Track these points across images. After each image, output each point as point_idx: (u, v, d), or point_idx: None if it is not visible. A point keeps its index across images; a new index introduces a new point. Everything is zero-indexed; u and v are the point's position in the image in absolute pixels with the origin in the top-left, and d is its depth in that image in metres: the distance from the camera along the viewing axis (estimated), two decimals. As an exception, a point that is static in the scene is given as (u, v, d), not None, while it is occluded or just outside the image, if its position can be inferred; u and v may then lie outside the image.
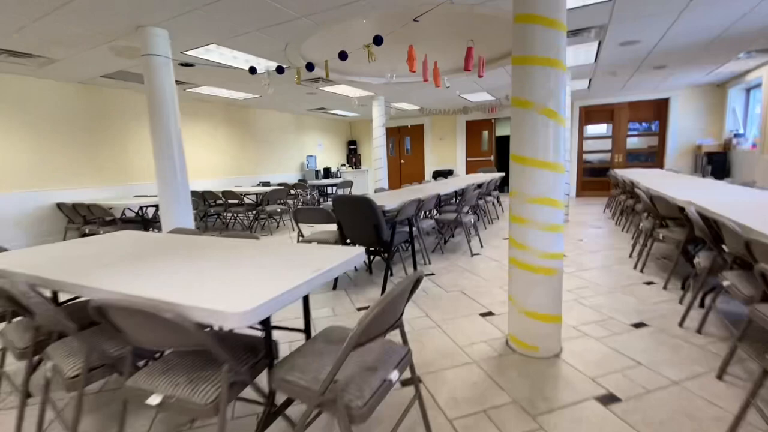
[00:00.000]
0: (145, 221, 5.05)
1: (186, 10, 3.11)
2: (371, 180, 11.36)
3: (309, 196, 7.64)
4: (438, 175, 10.13)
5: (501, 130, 12.23)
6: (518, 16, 1.94)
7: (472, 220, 4.47)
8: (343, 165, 11.20)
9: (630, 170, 6.60)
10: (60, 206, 5.09)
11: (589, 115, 8.73)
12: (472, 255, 4.22)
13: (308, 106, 8.42)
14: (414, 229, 3.64)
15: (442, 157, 10.50)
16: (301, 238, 3.48)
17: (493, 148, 9.90)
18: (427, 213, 4.92)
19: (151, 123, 3.52)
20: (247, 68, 4.84)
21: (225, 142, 7.62)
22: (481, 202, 5.89)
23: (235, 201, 6.10)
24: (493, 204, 6.83)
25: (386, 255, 3.12)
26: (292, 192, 7.94)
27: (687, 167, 7.92)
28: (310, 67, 3.25)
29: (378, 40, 2.70)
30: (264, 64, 4.81)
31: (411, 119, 10.76)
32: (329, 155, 10.96)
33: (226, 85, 5.88)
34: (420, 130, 10.74)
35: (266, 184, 8.07)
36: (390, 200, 3.52)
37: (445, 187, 5.03)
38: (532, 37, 1.90)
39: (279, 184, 7.88)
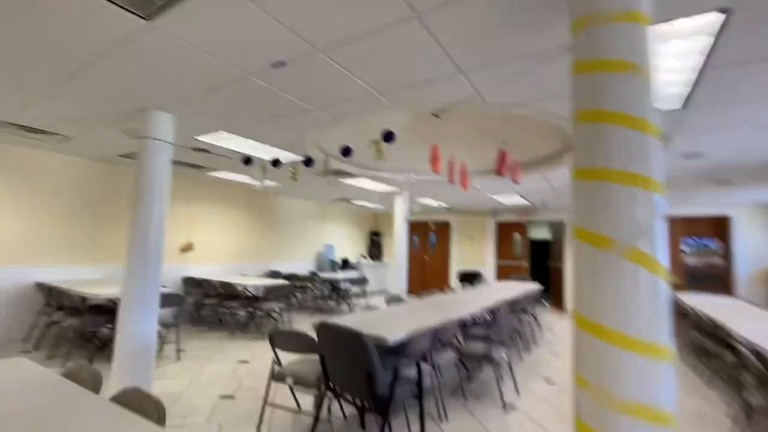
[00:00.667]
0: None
1: (188, 95, 2.86)
2: (391, 277, 10.57)
3: (319, 291, 6.91)
4: (465, 278, 9.23)
5: (535, 233, 11.47)
6: (584, 113, 1.35)
7: (506, 357, 3.50)
8: (364, 256, 10.60)
9: (695, 297, 5.50)
10: (40, 286, 4.62)
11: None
12: (505, 406, 3.16)
13: (332, 196, 8.19)
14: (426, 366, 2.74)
15: (470, 257, 9.71)
16: (277, 368, 2.66)
17: (526, 253, 9.05)
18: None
19: (134, 207, 3.10)
20: (269, 159, 4.60)
21: (239, 226, 7.31)
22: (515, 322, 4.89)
23: (234, 293, 5.46)
24: (530, 324, 5.76)
25: (381, 416, 2.21)
26: (299, 285, 7.25)
27: (765, 295, 6.63)
28: (308, 162, 2.81)
29: (389, 137, 2.22)
30: (282, 155, 4.55)
31: (437, 215, 10.31)
32: (350, 245, 10.46)
33: (245, 172, 5.69)
34: (446, 227, 10.19)
35: (276, 273, 7.48)
36: (397, 324, 2.71)
37: (473, 301, 4.17)
38: (609, 142, 1.27)
39: (288, 276, 7.27)
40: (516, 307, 4.86)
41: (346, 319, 2.96)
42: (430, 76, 2.39)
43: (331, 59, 2.23)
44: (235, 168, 5.47)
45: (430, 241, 10.50)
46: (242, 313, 5.49)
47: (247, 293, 5.52)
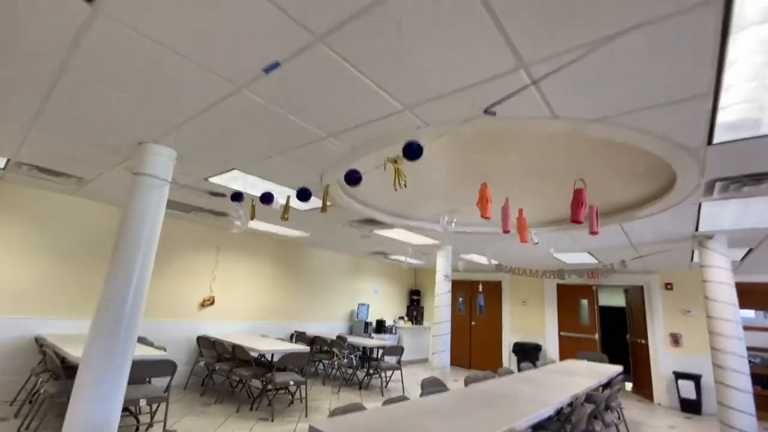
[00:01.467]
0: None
1: (181, 121, 2.41)
2: (431, 343, 9.33)
3: (346, 359, 5.96)
4: (520, 349, 7.80)
5: (605, 300, 9.81)
6: None
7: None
8: (401, 318, 9.53)
9: None
10: (38, 340, 4.20)
11: (740, 295, 6.24)
12: None
13: (367, 249, 7.50)
14: None
15: (527, 325, 8.31)
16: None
17: (596, 323, 7.53)
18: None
19: (113, 253, 2.58)
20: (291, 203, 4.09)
21: (266, 279, 6.76)
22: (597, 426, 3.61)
23: (245, 358, 4.71)
24: (614, 425, 4.34)
25: None
26: (324, 350, 6.37)
27: None
28: (303, 194, 2.16)
29: (413, 151, 1.52)
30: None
31: (486, 273, 9.17)
32: (387, 305, 9.50)
33: (266, 219, 5.22)
34: (497, 287, 8.97)
35: (301, 335, 6.69)
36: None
37: (540, 392, 3.06)
38: None
39: (312, 339, 6.44)
40: (598, 402, 3.61)
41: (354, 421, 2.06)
42: (477, 77, 1.71)
43: (337, 53, 1.64)
44: (260, 215, 5.02)
45: (478, 303, 9.26)
46: (256, 383, 4.68)
47: (260, 359, 4.74)
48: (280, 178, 3.39)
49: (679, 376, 6.15)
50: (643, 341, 7.01)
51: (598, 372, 4.78)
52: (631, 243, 4.62)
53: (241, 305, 6.30)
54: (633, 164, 2.74)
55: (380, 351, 6.17)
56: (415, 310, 9.81)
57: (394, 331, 8.79)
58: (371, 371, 6.09)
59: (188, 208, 4.87)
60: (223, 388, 5.24)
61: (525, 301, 8.44)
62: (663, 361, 6.55)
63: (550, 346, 7.83)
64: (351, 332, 8.22)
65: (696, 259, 5.34)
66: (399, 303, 9.93)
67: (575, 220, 2.39)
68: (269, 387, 4.46)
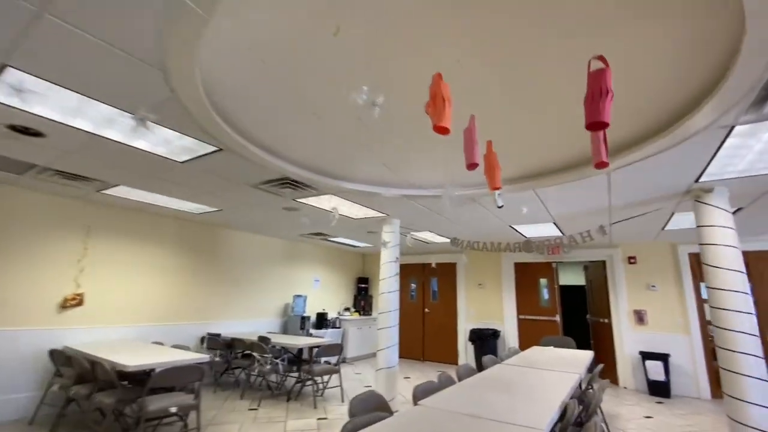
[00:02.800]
0: None
1: None
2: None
3: (269, 365, 4.71)
4: (477, 337, 7.01)
5: (565, 278, 9.36)
6: None
7: None
8: (347, 309, 8.40)
9: None
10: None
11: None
12: None
13: (301, 231, 6.24)
14: None
15: (484, 310, 7.55)
16: None
17: (557, 304, 6.91)
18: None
19: None
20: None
21: (163, 272, 5.27)
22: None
23: (108, 378, 3.30)
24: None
25: None
26: (243, 354, 5.10)
27: None
28: None
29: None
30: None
31: (439, 255, 8.29)
32: (330, 296, 8.32)
33: (147, 186, 3.79)
34: (451, 270, 8.13)
35: (214, 338, 5.32)
36: None
37: (515, 404, 2.07)
38: None
39: (229, 342, 5.14)
40: (588, 406, 2.74)
41: None
42: None
43: None
44: (142, 183, 3.58)
45: (431, 289, 8.37)
46: (124, 410, 3.30)
47: (142, 376, 3.37)
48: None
49: (646, 356, 5.64)
50: (605, 320, 6.48)
51: (571, 361, 3.99)
52: (611, 203, 3.82)
53: (125, 305, 4.78)
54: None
55: (316, 351, 5.01)
56: (362, 299, 8.73)
57: (338, 325, 7.65)
58: (303, 377, 4.90)
59: (17, 166, 3.32)
60: (87, 420, 3.78)
61: (482, 284, 7.67)
62: (628, 341, 6.04)
63: (509, 331, 7.12)
64: (286, 330, 6.95)
65: (672, 225, 4.73)
66: (345, 293, 8.78)
67: (598, 121, 1.36)
68: (140, 417, 3.12)
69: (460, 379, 3.30)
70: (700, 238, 3.18)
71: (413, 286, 8.60)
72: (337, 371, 4.89)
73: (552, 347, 5.19)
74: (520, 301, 7.26)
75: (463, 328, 7.57)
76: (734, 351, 2.86)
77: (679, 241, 5.93)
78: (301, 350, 4.99)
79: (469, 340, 7.15)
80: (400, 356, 8.29)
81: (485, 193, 3.57)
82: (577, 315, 8.79)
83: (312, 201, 4.18)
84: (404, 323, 8.44)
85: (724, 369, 2.93)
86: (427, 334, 8.14)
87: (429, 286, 8.40)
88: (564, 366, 3.71)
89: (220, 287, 5.99)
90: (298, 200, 4.12)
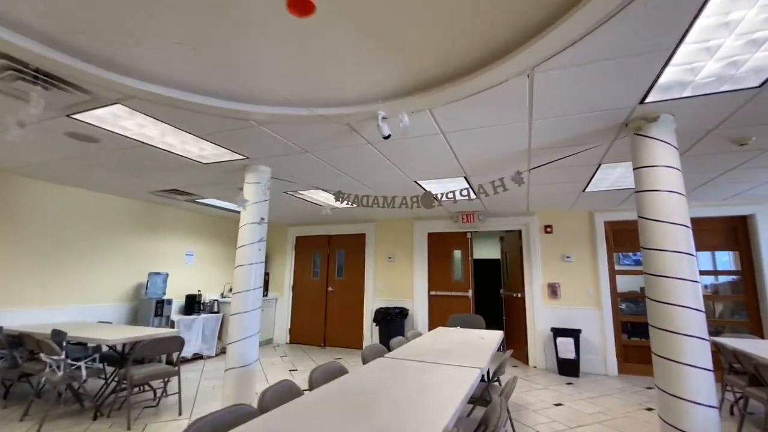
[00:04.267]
0: None
1: None
2: (281, 319, 7.03)
3: (61, 371, 3.19)
4: (383, 317, 6.08)
5: (481, 252, 8.84)
6: None
7: None
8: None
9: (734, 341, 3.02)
10: None
11: (619, 235, 5.48)
12: None
13: (151, 187, 4.62)
14: None
15: (393, 286, 6.63)
16: None
17: (470, 278, 6.22)
18: None
19: None
20: None
21: None
22: None
23: None
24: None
25: None
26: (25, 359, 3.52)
27: (816, 335, 4.45)
28: None
29: None
30: None
31: (346, 226, 7.17)
32: (210, 274, 6.78)
33: None
34: (359, 242, 7.06)
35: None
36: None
37: (358, 408, 0.96)
38: None
39: (15, 338, 3.50)
40: (492, 412, 1.80)
41: None
42: None
43: None
44: None
45: (336, 263, 7.24)
46: None
47: None
48: None
49: (557, 333, 5.14)
50: (518, 295, 5.93)
51: (476, 346, 3.13)
52: (531, 140, 2.91)
53: None
54: None
55: (142, 346, 3.56)
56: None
57: (216, 309, 6.19)
58: (123, 385, 3.46)
59: None
60: None
61: (392, 257, 6.72)
62: (540, 316, 5.52)
63: (419, 310, 6.30)
64: (136, 318, 5.34)
65: (594, 186, 4.07)
66: (231, 270, 7.28)
67: None
68: None
69: (365, 362, 2.18)
70: (639, 183, 2.38)
71: (317, 260, 7.40)
72: (175, 374, 3.54)
73: (459, 327, 4.38)
74: (433, 275, 6.45)
75: (371, 308, 6.60)
76: (675, 332, 2.11)
77: (596, 208, 5.46)
78: (115, 347, 3.53)
79: (374, 321, 6.19)
80: (298, 342, 7.13)
81: (363, 115, 2.42)
82: (492, 290, 8.36)
83: (97, 118, 2.66)
84: (305, 305, 7.25)
85: (659, 356, 2.18)
86: (330, 316, 7.05)
87: (334, 261, 7.26)
88: (466, 354, 2.81)
89: (21, 263, 4.19)
90: (74, 116, 2.59)
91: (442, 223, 6.41)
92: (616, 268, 5.43)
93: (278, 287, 7.48)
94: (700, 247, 5.08)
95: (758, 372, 2.64)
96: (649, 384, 4.63)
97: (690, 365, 2.05)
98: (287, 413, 1.64)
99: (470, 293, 6.14)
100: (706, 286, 5.11)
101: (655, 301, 2.22)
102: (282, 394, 1.96)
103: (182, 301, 5.97)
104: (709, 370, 2.06)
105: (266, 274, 7.46)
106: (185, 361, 5.48)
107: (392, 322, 5.97)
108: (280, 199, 5.13)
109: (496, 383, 3.11)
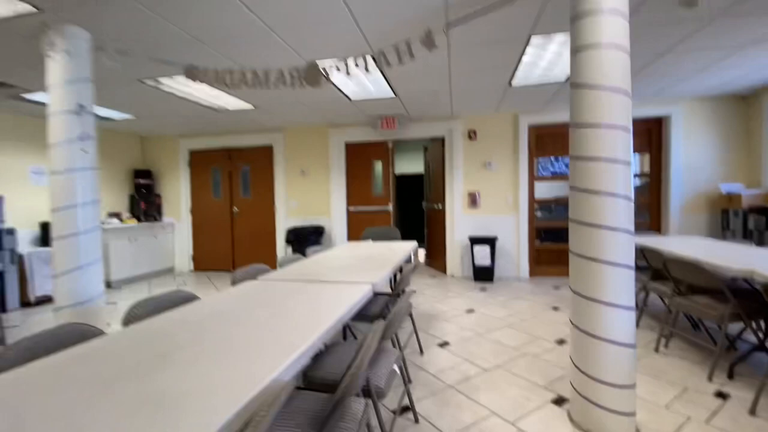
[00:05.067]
0: None
1: None
2: (182, 246, 6.03)
3: None
4: (295, 237, 5.49)
5: (404, 166, 8.38)
6: None
7: None
8: (116, 215, 5.77)
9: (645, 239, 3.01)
10: None
11: (541, 141, 5.24)
12: None
13: None
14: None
15: (308, 204, 5.96)
16: None
17: (390, 191, 5.75)
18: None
19: None
20: None
21: None
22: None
23: None
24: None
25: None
26: None
27: (700, 228, 4.79)
28: None
29: None
30: None
31: (249, 136, 6.09)
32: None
33: None
34: (267, 155, 6.11)
35: None
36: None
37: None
38: None
39: None
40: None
41: None
42: None
43: None
44: None
45: (241, 181, 6.29)
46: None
47: None
48: None
49: (474, 241, 5.01)
50: (439, 206, 5.65)
51: (383, 258, 2.68)
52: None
53: None
54: None
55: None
56: (144, 200, 6.14)
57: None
58: None
59: None
60: None
61: (305, 171, 5.94)
62: (459, 226, 5.34)
63: (337, 227, 5.80)
64: (-40, 252, 4.10)
65: (520, 79, 3.53)
66: (112, 193, 5.99)
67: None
68: None
69: (234, 284, 1.55)
70: (576, 38, 1.81)
71: (216, 177, 6.36)
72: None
73: (370, 240, 3.95)
74: (352, 190, 5.87)
75: (283, 228, 5.95)
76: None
77: (522, 109, 5.07)
78: None
79: (286, 242, 5.60)
80: (204, 269, 6.39)
81: None
82: (417, 207, 8.14)
83: None
84: (207, 228, 6.37)
85: (579, 255, 1.84)
86: (238, 238, 6.29)
87: (238, 178, 6.29)
88: (363, 269, 2.33)
89: None
90: None
91: (360, 131, 5.66)
92: (536, 175, 5.28)
93: (174, 211, 6.42)
94: (614, 150, 5.02)
95: (665, 266, 2.53)
96: (556, 284, 4.79)
97: (614, 263, 1.74)
98: (29, 374, 0.98)
99: (391, 207, 5.73)
100: (615, 190, 5.20)
101: (580, 190, 1.82)
102: (60, 338, 1.29)
103: (37, 230, 4.77)
104: (631, 267, 1.77)
105: (157, 196, 6.31)
106: (41, 302, 4.51)
107: (306, 242, 5.43)
108: (143, 93, 3.92)
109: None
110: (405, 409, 2.04)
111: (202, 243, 6.39)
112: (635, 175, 5.12)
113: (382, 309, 2.38)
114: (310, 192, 5.92)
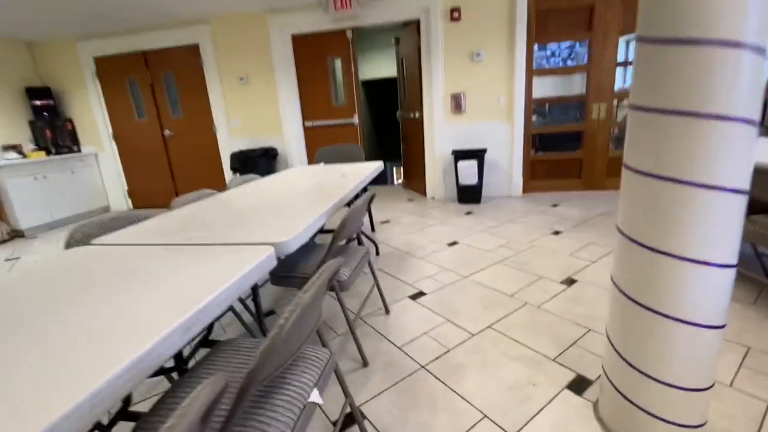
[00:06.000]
0: None
1: None
2: (113, 181, 4.90)
3: None
4: (241, 162, 4.50)
5: (373, 68, 7.01)
6: None
7: None
8: (14, 148, 4.60)
9: None
10: None
11: (545, 19, 4.03)
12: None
13: None
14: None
15: (255, 120, 4.83)
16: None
17: (355, 99, 4.63)
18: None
19: None
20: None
21: None
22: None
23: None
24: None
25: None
26: None
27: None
28: None
29: None
30: None
31: (166, 32, 4.66)
32: (-52, 126, 4.25)
33: None
34: (192, 58, 4.76)
35: None
36: None
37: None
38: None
39: None
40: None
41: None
42: None
43: None
44: None
45: (168, 96, 5.02)
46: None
47: None
48: None
49: (459, 156, 4.12)
50: (416, 115, 4.61)
51: (325, 191, 1.81)
52: None
53: None
54: None
55: None
56: (48, 127, 4.90)
57: (-28, 179, 4.02)
58: None
59: None
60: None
61: (244, 78, 4.69)
62: (441, 137, 4.39)
63: (292, 147, 4.78)
64: None
65: None
66: (4, 119, 4.72)
67: None
68: None
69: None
70: None
71: (136, 93, 5.05)
72: None
73: (322, 163, 3.02)
74: (306, 100, 4.72)
75: (229, 151, 4.90)
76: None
77: (519, -26, 3.77)
78: None
79: (231, 169, 4.61)
80: (144, 206, 5.45)
81: None
82: (393, 119, 7.02)
83: None
84: (137, 157, 5.28)
85: (650, 174, 0.99)
86: (177, 167, 5.25)
87: (162, 91, 5.01)
88: (287, 213, 1.47)
89: None
90: None
91: (308, 18, 4.31)
92: (534, 69, 4.19)
93: (93, 139, 5.23)
94: (634, 28, 3.90)
95: None
96: (554, 201, 4.05)
97: (718, 187, 0.90)
98: None
99: (356, 119, 4.66)
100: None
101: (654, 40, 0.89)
102: None
103: None
104: (745, 192, 0.93)
105: (68, 121, 5.05)
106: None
107: (256, 167, 4.45)
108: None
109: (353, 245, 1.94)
110: (349, 422, 1.36)
111: (135, 176, 5.34)
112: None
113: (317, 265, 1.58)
114: (254, 105, 4.75)
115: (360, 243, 1.99)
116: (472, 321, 1.92)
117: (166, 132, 5.09)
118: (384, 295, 2.20)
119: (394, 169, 8.70)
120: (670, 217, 0.96)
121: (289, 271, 1.62)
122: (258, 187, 2.19)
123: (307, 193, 1.89)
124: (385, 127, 8.10)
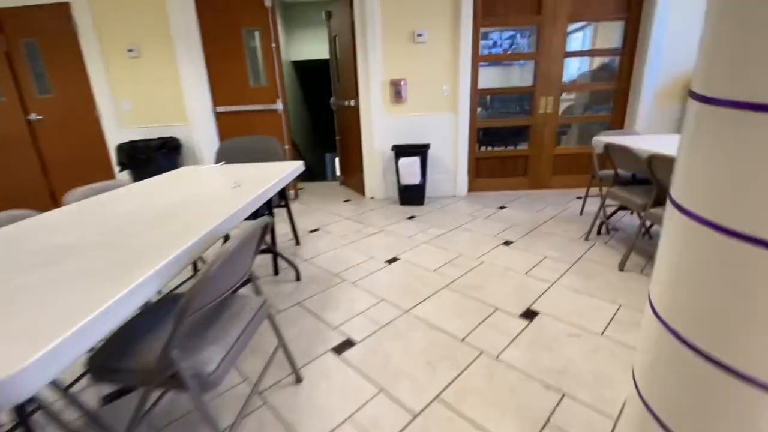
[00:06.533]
0: None
1: None
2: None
3: None
4: (132, 157, 3.58)
5: (305, 48, 6.21)
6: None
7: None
8: None
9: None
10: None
11: (489, 3, 3.61)
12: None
13: None
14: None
15: (150, 103, 3.89)
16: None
17: (276, 79, 3.89)
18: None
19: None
20: None
21: None
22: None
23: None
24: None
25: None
26: None
27: (671, 124, 3.87)
28: None
29: None
30: None
31: (25, -14, 3.55)
32: None
33: None
34: (61, 21, 3.68)
35: None
36: None
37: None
38: None
39: None
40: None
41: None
42: None
43: None
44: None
45: (32, 69, 3.88)
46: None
47: None
48: None
49: (400, 152, 3.61)
50: (352, 103, 4.01)
51: (198, 214, 1.14)
52: None
53: None
54: None
55: None
56: None
57: None
58: None
59: None
60: None
61: (134, 49, 3.73)
62: (380, 130, 3.85)
63: (201, 138, 3.94)
64: None
65: None
66: None
67: None
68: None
69: None
70: None
71: (-12, 64, 3.85)
72: None
73: (223, 163, 2.33)
74: (216, 79, 3.90)
75: (117, 140, 3.92)
76: None
77: (465, -57, 3.29)
78: None
79: (119, 164, 3.68)
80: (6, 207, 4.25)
81: None
82: (328, 106, 6.35)
83: None
84: (-9, 147, 4.08)
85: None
86: (51, 162, 4.15)
87: (23, 63, 3.86)
88: (115, 259, 0.80)
89: None
90: None
91: (215, -23, 3.47)
92: (483, 53, 3.79)
93: None
94: (583, 15, 3.64)
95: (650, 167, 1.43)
96: (501, 202, 3.72)
97: None
98: None
99: (281, 105, 3.94)
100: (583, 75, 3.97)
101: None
102: None
103: None
104: None
105: None
106: None
107: (151, 163, 3.57)
108: None
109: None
110: None
111: (-8, 172, 4.14)
112: (602, 52, 3.87)
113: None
114: (149, 84, 3.82)
115: (258, 292, 1.39)
116: (413, 389, 1.43)
117: (32, 116, 3.96)
118: (295, 356, 1.63)
119: (336, 161, 8.03)
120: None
121: (116, 361, 0.98)
122: (67, 215, 1.48)
123: (138, 231, 1.19)
124: (327, 114, 7.37)
